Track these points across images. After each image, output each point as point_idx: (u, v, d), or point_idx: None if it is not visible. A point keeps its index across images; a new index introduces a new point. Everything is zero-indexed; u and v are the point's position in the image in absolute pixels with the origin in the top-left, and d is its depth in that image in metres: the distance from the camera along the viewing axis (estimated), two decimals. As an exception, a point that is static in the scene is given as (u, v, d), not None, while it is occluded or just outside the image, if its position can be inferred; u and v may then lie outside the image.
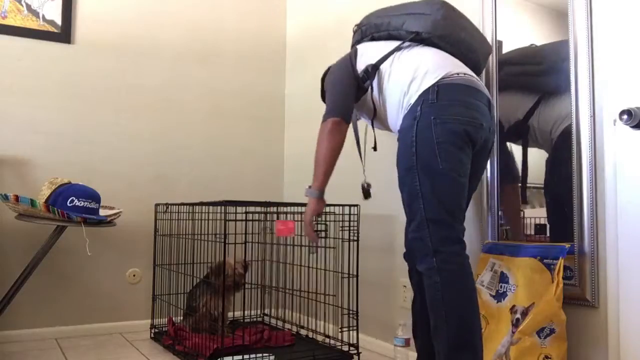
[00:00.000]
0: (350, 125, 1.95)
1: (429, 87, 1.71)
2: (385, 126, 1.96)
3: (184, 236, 2.83)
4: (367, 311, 2.66)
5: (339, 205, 2.39)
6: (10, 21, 2.79)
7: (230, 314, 2.85)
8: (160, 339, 2.69)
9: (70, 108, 2.91)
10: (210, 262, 2.68)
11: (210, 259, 2.70)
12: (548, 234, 1.92)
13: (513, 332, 1.78)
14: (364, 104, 1.95)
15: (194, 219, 2.76)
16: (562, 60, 1.86)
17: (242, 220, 2.37)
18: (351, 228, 2.41)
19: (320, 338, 2.68)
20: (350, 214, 2.42)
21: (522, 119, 2.00)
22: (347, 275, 2.43)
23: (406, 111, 1.76)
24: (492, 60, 2.10)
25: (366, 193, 2.15)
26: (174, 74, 3.19)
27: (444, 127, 1.66)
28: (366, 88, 1.91)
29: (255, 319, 3.14)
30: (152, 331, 2.83)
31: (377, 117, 1.94)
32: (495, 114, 2.02)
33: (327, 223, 2.34)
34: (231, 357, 2.25)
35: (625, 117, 1.58)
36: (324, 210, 1.99)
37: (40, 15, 2.86)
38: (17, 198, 2.26)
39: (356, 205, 2.43)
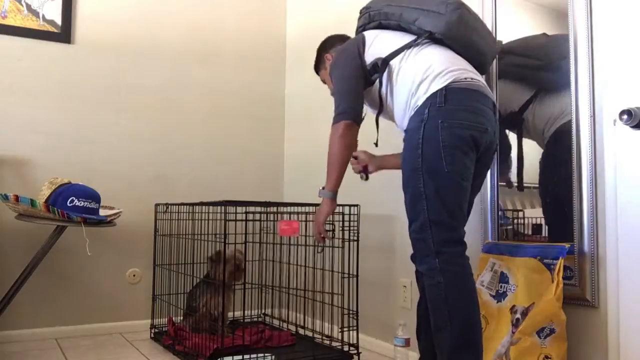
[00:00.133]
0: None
1: (436, 91, 1.71)
2: (392, 120, 1.95)
3: (184, 236, 2.83)
4: (367, 311, 2.66)
5: (339, 205, 2.39)
6: (10, 21, 2.79)
7: (230, 314, 2.85)
8: (160, 339, 2.69)
9: (70, 108, 2.91)
10: (210, 254, 2.69)
11: (210, 259, 2.70)
12: (545, 234, 1.92)
13: (513, 332, 1.78)
14: (369, 94, 1.95)
15: (194, 219, 2.76)
16: (560, 58, 1.86)
17: (242, 220, 2.37)
18: (351, 228, 2.41)
19: (320, 338, 2.68)
20: (350, 214, 2.42)
21: (517, 111, 2.01)
22: (347, 275, 2.43)
23: (413, 112, 1.76)
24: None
25: (364, 176, 2.19)
26: (174, 74, 3.19)
27: (451, 132, 1.67)
28: (373, 81, 1.90)
29: (255, 319, 3.14)
30: (152, 331, 2.83)
31: (384, 111, 1.93)
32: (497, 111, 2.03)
33: (334, 223, 2.34)
34: (231, 357, 2.25)
35: (625, 117, 1.58)
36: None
37: (40, 15, 2.86)
38: (17, 198, 2.26)
39: (356, 205, 2.43)
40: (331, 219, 2.26)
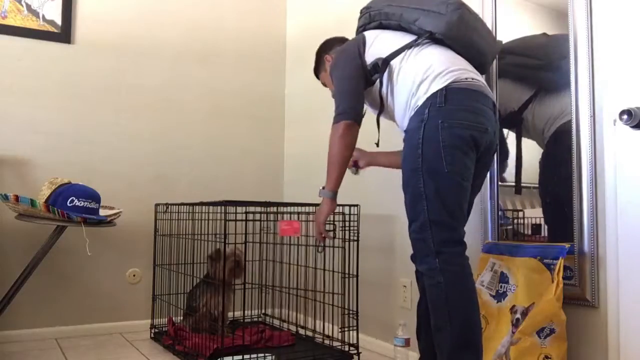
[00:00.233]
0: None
1: (437, 91, 1.71)
2: (393, 120, 1.95)
3: (184, 236, 2.83)
4: (367, 311, 2.66)
5: (339, 205, 2.39)
6: (10, 21, 2.79)
7: (230, 314, 2.85)
8: (160, 339, 2.69)
9: (70, 108, 2.91)
10: (210, 253, 2.69)
11: (210, 259, 2.70)
12: (544, 234, 1.93)
13: (513, 332, 1.78)
14: (369, 94, 1.95)
15: (194, 219, 2.76)
16: (560, 58, 1.86)
17: (242, 220, 2.37)
18: (351, 228, 2.41)
19: (320, 338, 2.68)
20: (350, 214, 2.42)
21: (516, 111, 2.01)
22: (347, 275, 2.43)
23: (413, 112, 1.76)
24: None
25: (355, 170, 2.23)
26: (174, 74, 3.19)
27: (451, 132, 1.67)
28: (374, 81, 1.90)
29: (255, 319, 3.14)
30: (152, 331, 2.83)
31: (384, 111, 1.93)
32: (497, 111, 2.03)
33: (336, 223, 2.35)
34: (231, 357, 2.25)
35: (625, 117, 1.58)
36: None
37: (40, 15, 2.86)
38: (17, 198, 2.26)
39: (356, 205, 2.43)
40: (332, 219, 2.26)
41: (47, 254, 2.51)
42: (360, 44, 1.93)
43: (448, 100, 1.69)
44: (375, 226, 2.66)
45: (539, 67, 1.97)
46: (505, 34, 2.09)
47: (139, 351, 2.56)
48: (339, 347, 2.50)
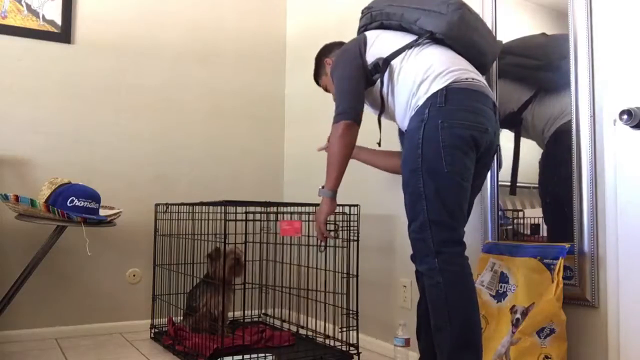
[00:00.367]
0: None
1: (437, 91, 1.71)
2: (393, 120, 1.95)
3: (184, 236, 2.83)
4: (367, 311, 2.66)
5: (339, 205, 2.39)
6: (10, 21, 2.79)
7: (230, 314, 2.85)
8: (160, 339, 2.69)
9: (70, 108, 2.91)
10: (209, 252, 2.70)
11: (210, 259, 2.70)
12: (544, 234, 1.93)
13: (513, 332, 1.78)
14: (370, 94, 1.95)
15: (194, 219, 2.76)
16: (560, 58, 1.86)
17: (242, 220, 2.37)
18: (351, 228, 2.41)
19: (320, 338, 2.68)
20: (350, 214, 2.42)
21: (516, 111, 2.01)
22: (347, 275, 2.43)
23: (413, 112, 1.77)
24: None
25: None
26: (174, 74, 3.19)
27: (451, 132, 1.67)
28: (374, 81, 1.90)
29: (255, 319, 3.14)
30: (152, 331, 2.83)
31: (385, 111, 1.93)
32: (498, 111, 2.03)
33: (338, 223, 2.35)
34: (231, 357, 2.25)
35: (625, 117, 1.58)
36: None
37: (40, 15, 2.86)
38: (17, 198, 2.26)
39: (356, 205, 2.43)
40: (333, 219, 2.27)
41: (47, 254, 2.51)
42: (361, 43, 1.93)
43: (448, 100, 1.69)
44: (375, 226, 2.66)
45: (538, 67, 1.97)
46: (505, 34, 2.09)
47: (139, 351, 2.56)
48: (339, 347, 2.50)
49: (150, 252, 3.00)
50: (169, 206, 2.84)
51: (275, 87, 3.48)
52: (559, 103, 1.86)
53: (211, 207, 2.57)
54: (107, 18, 3.02)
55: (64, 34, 2.90)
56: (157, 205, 2.93)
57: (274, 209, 2.91)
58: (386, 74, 1.86)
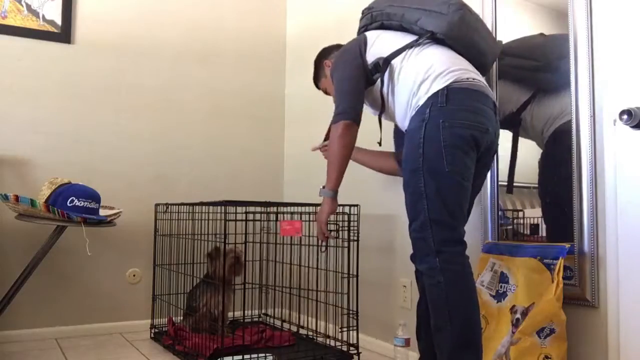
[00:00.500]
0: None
1: (438, 90, 1.71)
2: (394, 120, 1.96)
3: (184, 236, 2.83)
4: (367, 311, 2.66)
5: (339, 205, 2.39)
6: (10, 21, 2.79)
7: (230, 314, 2.85)
8: (160, 339, 2.69)
9: (70, 108, 2.91)
10: (209, 251, 2.69)
11: (210, 259, 2.70)
12: (543, 234, 1.93)
13: (513, 332, 1.78)
14: (370, 94, 1.95)
15: (194, 219, 2.76)
16: (558, 58, 1.86)
17: (242, 220, 2.37)
18: (351, 228, 2.41)
19: (320, 338, 2.68)
20: (350, 214, 2.42)
21: (515, 112, 2.02)
22: (347, 275, 2.43)
23: (414, 112, 1.77)
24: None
25: None
26: (174, 74, 3.19)
27: (452, 131, 1.67)
28: (374, 81, 1.90)
29: (255, 319, 3.14)
30: (152, 331, 2.83)
31: (385, 111, 1.94)
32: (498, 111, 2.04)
33: (338, 223, 2.35)
34: (231, 357, 2.25)
35: (625, 117, 1.58)
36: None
37: (40, 15, 2.86)
38: (17, 198, 2.26)
39: (356, 205, 2.43)
40: (334, 219, 2.27)
41: (47, 254, 2.51)
42: (361, 43, 1.93)
43: (449, 100, 1.69)
44: (375, 226, 2.66)
45: (537, 68, 1.97)
46: (506, 34, 2.09)
47: (139, 351, 2.56)
48: (339, 347, 2.50)
49: (150, 252, 3.00)
50: (169, 206, 2.84)
51: (275, 87, 3.48)
52: (558, 103, 1.87)
53: (211, 207, 2.57)
54: (107, 18, 3.02)
55: (64, 34, 2.90)
56: (157, 205, 2.93)
57: (274, 209, 2.91)
58: (386, 74, 1.86)
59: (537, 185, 1.96)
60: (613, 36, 1.70)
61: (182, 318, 2.81)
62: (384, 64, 1.85)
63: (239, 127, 3.36)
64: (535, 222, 1.95)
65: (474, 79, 1.76)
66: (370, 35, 1.95)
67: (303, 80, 3.29)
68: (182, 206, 2.75)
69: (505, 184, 2.07)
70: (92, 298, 2.89)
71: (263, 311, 3.20)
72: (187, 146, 3.20)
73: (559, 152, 1.85)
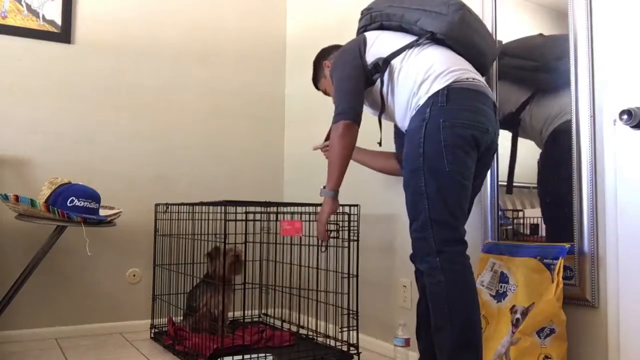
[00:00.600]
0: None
1: (438, 90, 1.71)
2: (394, 120, 1.96)
3: (184, 236, 2.83)
4: (367, 311, 2.66)
5: (339, 204, 2.39)
6: (10, 21, 2.79)
7: (230, 314, 2.85)
8: (160, 339, 2.69)
9: (70, 108, 2.91)
10: (208, 251, 2.69)
11: (210, 259, 2.70)
12: (543, 234, 1.93)
13: (513, 332, 1.78)
14: (370, 94, 1.95)
15: (194, 219, 2.76)
16: (557, 58, 1.86)
17: (242, 220, 2.37)
18: (351, 228, 2.41)
19: (320, 338, 2.68)
20: (350, 214, 2.42)
21: (514, 112, 2.02)
22: (347, 275, 2.43)
23: (414, 112, 1.77)
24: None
25: None
26: (174, 74, 3.19)
27: (452, 131, 1.67)
28: (374, 81, 1.90)
29: (255, 319, 3.14)
30: (152, 331, 2.83)
31: (385, 111, 1.94)
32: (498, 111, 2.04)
33: (338, 223, 2.35)
34: (231, 357, 2.25)
35: (625, 117, 1.58)
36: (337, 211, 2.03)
37: (40, 15, 2.86)
38: (17, 198, 2.26)
39: (356, 205, 2.43)
40: (335, 219, 2.27)
41: (47, 254, 2.51)
42: (360, 44, 1.93)
43: (450, 100, 1.69)
44: (375, 226, 2.66)
45: (536, 68, 1.97)
46: (505, 34, 2.09)
47: (139, 351, 2.56)
48: (339, 347, 2.50)
49: (150, 252, 3.00)
50: (169, 206, 2.84)
51: (275, 87, 3.48)
52: (557, 103, 1.87)
53: (211, 207, 2.57)
54: (107, 18, 3.02)
55: (64, 34, 2.90)
56: (157, 205, 2.93)
57: (274, 209, 2.91)
58: (386, 74, 1.86)
59: (536, 185, 1.96)
60: (613, 36, 1.70)
61: (182, 318, 2.81)
62: (384, 64, 1.85)
63: (238, 127, 3.36)
64: (535, 222, 1.95)
65: (474, 79, 1.76)
66: (370, 35, 1.95)
67: (303, 80, 3.29)
68: (182, 206, 2.75)
69: (504, 183, 2.07)
70: (92, 298, 2.89)
71: (263, 311, 3.20)
72: (187, 146, 3.20)
73: (557, 152, 1.85)
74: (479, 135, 1.71)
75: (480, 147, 1.74)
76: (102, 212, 2.53)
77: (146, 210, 3.01)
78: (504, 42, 2.09)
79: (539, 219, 1.95)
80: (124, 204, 2.92)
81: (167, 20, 3.18)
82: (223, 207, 2.28)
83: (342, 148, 1.88)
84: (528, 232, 1.97)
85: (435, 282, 1.66)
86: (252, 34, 3.43)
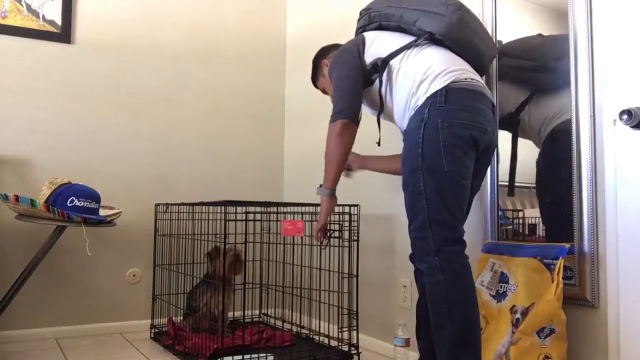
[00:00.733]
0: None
1: (437, 90, 1.71)
2: (392, 120, 1.96)
3: (184, 236, 2.83)
4: (367, 311, 2.66)
5: (339, 205, 2.39)
6: (10, 21, 2.79)
7: (230, 314, 2.85)
8: (160, 339, 2.69)
9: (70, 108, 2.91)
10: (208, 251, 2.69)
11: (210, 259, 2.70)
12: (541, 234, 1.93)
13: (513, 332, 1.78)
14: (368, 94, 1.95)
15: (194, 219, 2.76)
16: (556, 58, 1.86)
17: (242, 220, 2.37)
18: (351, 228, 2.41)
19: (320, 338, 2.68)
20: (350, 214, 2.42)
21: (513, 112, 2.02)
22: (347, 275, 2.43)
23: (413, 112, 1.77)
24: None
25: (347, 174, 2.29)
26: (174, 74, 3.19)
27: (451, 131, 1.67)
28: (373, 81, 1.91)
29: (255, 319, 3.14)
30: (152, 331, 2.83)
31: (384, 111, 1.94)
32: (496, 111, 2.04)
33: (341, 223, 2.35)
34: (231, 357, 2.25)
35: (625, 117, 1.58)
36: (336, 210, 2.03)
37: (40, 15, 2.86)
38: (17, 198, 2.26)
39: (356, 205, 2.43)
40: (336, 219, 2.27)
41: (47, 254, 2.51)
42: (359, 44, 1.93)
43: (448, 100, 1.70)
44: (375, 226, 2.66)
45: (535, 68, 1.97)
46: (505, 35, 2.09)
47: (139, 351, 2.56)
48: (339, 347, 2.50)
49: (150, 252, 3.00)
50: (169, 206, 2.84)
51: (275, 87, 3.48)
52: (556, 103, 1.87)
53: (211, 207, 2.57)
54: (107, 18, 3.02)
55: (64, 34, 2.90)
56: (157, 205, 2.93)
57: (274, 209, 2.91)
58: (385, 74, 1.86)
59: (535, 185, 1.96)
60: (613, 36, 1.70)
61: (182, 318, 2.81)
62: (383, 64, 1.86)
63: (239, 127, 3.36)
64: (535, 222, 1.95)
65: (472, 79, 1.76)
66: (369, 35, 1.96)
67: (303, 80, 3.29)
68: (182, 206, 2.75)
69: (506, 184, 2.07)
70: (92, 298, 2.89)
71: (263, 311, 3.20)
72: (187, 146, 3.20)
73: (556, 152, 1.85)
74: (477, 135, 1.71)
75: (479, 147, 1.74)
76: (102, 212, 2.53)
77: (146, 210, 3.01)
78: (503, 42, 2.09)
79: (538, 219, 1.95)
80: (124, 204, 2.92)
81: (167, 20, 3.18)
82: (223, 207, 2.28)
83: (339, 147, 1.88)
84: (528, 232, 1.97)
85: (435, 281, 1.66)
86: (252, 34, 3.43)
